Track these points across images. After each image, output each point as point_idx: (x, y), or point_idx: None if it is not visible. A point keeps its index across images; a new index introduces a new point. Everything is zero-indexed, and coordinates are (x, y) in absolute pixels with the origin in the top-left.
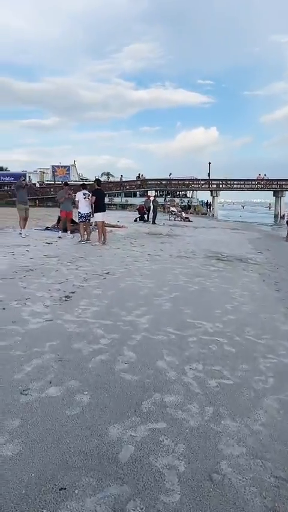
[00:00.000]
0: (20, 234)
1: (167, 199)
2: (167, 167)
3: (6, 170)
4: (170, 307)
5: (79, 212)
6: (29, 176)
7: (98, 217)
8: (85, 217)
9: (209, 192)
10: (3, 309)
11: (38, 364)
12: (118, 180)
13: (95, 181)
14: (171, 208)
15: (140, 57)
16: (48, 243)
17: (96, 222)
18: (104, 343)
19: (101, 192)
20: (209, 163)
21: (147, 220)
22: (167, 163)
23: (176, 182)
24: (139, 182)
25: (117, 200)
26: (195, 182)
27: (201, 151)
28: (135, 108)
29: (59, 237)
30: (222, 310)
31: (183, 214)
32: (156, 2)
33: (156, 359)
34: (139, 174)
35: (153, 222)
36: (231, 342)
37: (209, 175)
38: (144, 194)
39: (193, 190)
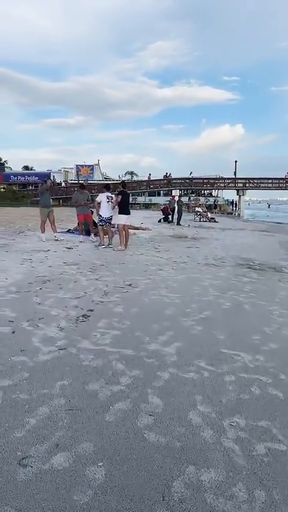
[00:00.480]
0: (41, 239)
1: (192, 198)
2: (191, 165)
3: (31, 170)
4: (200, 332)
5: (100, 215)
6: (53, 176)
7: (121, 219)
8: (105, 220)
9: (235, 191)
10: (13, 332)
11: (44, 415)
12: (142, 179)
13: (120, 183)
14: (197, 208)
15: (165, 54)
16: (69, 248)
17: (117, 224)
18: (124, 383)
19: (126, 194)
20: (235, 161)
21: (172, 221)
22: (191, 161)
23: (201, 181)
24: (165, 181)
25: (140, 199)
26: (220, 181)
27: (226, 149)
28: (160, 106)
29: (80, 241)
30: (261, 335)
31: (209, 215)
32: None
33: (188, 409)
34: (166, 173)
35: (178, 223)
36: (277, 382)
37: (235, 174)
38: (168, 193)
39: (218, 189)
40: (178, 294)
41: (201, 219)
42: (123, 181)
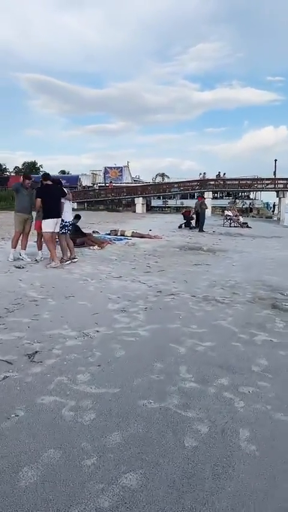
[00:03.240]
0: (8, 257)
1: (229, 201)
2: (232, 168)
3: (68, 174)
4: None
5: (62, 220)
6: (80, 178)
7: (47, 226)
8: (67, 226)
9: (275, 192)
10: None
11: None
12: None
13: (42, 175)
14: (226, 212)
15: (206, 57)
16: (18, 267)
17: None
18: None
19: (49, 191)
20: (275, 160)
21: (195, 227)
22: (232, 164)
23: (237, 182)
24: (196, 183)
25: (171, 202)
26: (258, 182)
27: (268, 152)
28: (200, 109)
29: (36, 260)
30: None
31: (241, 219)
32: (224, 1)
33: None
34: (202, 173)
35: (201, 230)
36: None
37: (274, 174)
38: (202, 196)
39: (256, 190)
40: (114, 385)
41: (232, 224)
42: (44, 174)
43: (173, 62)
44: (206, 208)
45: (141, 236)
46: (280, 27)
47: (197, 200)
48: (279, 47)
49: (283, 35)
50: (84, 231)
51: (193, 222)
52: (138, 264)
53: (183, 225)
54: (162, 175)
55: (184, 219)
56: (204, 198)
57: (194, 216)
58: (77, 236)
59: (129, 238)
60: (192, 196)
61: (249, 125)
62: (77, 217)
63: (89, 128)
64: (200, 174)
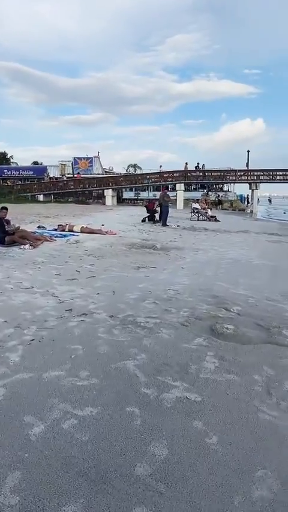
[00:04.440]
0: None
1: (202, 193)
2: (211, 161)
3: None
4: None
5: None
6: (47, 169)
7: None
8: None
9: (248, 184)
10: None
11: None
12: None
13: None
14: (193, 205)
15: (184, 48)
16: None
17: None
18: None
19: None
20: (248, 151)
21: (158, 221)
22: (211, 157)
23: (210, 174)
24: (166, 175)
25: (144, 195)
26: (232, 173)
27: (246, 144)
28: (179, 101)
29: None
30: None
31: (209, 213)
32: None
33: None
34: (186, 163)
35: (164, 224)
36: None
37: (247, 166)
38: (173, 188)
39: (229, 182)
40: None
41: (200, 218)
42: None
43: (151, 52)
44: (169, 200)
45: (92, 232)
46: (257, 20)
47: (161, 192)
48: (255, 39)
49: (260, 28)
50: (22, 226)
51: (157, 216)
52: (68, 267)
53: (146, 219)
54: (134, 166)
55: (147, 212)
56: (169, 190)
57: (158, 209)
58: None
59: (77, 234)
60: (167, 189)
61: (227, 117)
62: (3, 209)
63: (66, 118)
64: (161, 166)
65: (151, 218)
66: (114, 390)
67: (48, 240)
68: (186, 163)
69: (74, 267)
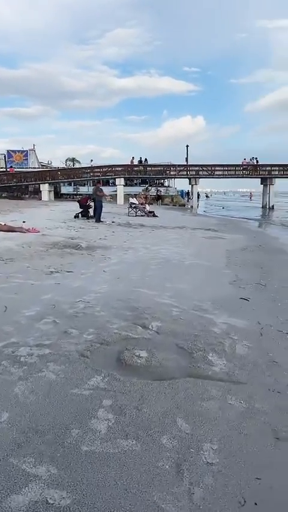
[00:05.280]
0: None
1: (144, 188)
2: (154, 156)
3: None
4: None
5: None
6: None
7: None
8: None
9: (188, 179)
10: None
11: None
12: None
13: None
14: (131, 200)
15: (124, 43)
16: None
17: None
18: None
19: None
20: (187, 146)
21: (93, 217)
22: (154, 152)
23: (150, 169)
24: (105, 169)
25: (83, 190)
26: (172, 168)
27: (188, 141)
28: (121, 96)
29: None
30: None
31: (147, 208)
32: None
33: None
34: (133, 157)
35: (98, 220)
36: None
37: (186, 160)
38: (113, 183)
39: (169, 177)
40: None
41: (138, 213)
42: None
43: (91, 45)
44: (103, 195)
45: (11, 230)
46: (196, 19)
47: (95, 187)
48: (195, 38)
49: (198, 27)
50: None
51: (91, 211)
52: None
53: (79, 215)
54: (73, 160)
55: (80, 208)
56: (97, 184)
57: (92, 204)
58: None
59: None
60: (106, 183)
61: (168, 114)
62: None
63: (4, 110)
64: (92, 160)
65: (85, 214)
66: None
67: None
68: (133, 157)
69: None
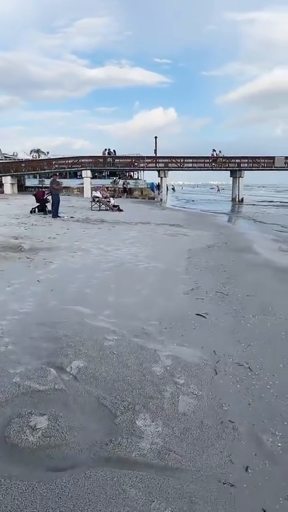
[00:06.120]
0: None
1: (111, 181)
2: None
3: None
4: None
5: None
6: None
7: None
8: None
9: (157, 172)
10: None
11: None
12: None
13: None
14: (94, 193)
15: (93, 32)
16: None
17: None
18: None
19: None
20: (155, 137)
21: (50, 211)
22: (126, 145)
23: (118, 161)
24: (74, 160)
25: (49, 182)
26: (140, 160)
27: (159, 133)
28: (91, 86)
29: None
30: None
31: (112, 202)
32: None
33: None
34: (106, 149)
35: (55, 215)
36: None
37: (155, 152)
38: (81, 175)
39: (138, 170)
40: None
41: (102, 207)
42: None
43: (59, 34)
44: (60, 188)
45: None
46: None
47: (52, 179)
48: (165, 29)
49: (169, 17)
50: None
51: (49, 206)
52: None
53: (36, 210)
54: (38, 151)
55: (37, 202)
56: (54, 176)
57: (50, 198)
58: None
59: None
60: (74, 175)
61: (140, 105)
62: None
63: None
64: (48, 152)
65: (42, 209)
66: None
67: None
68: (105, 149)
69: None
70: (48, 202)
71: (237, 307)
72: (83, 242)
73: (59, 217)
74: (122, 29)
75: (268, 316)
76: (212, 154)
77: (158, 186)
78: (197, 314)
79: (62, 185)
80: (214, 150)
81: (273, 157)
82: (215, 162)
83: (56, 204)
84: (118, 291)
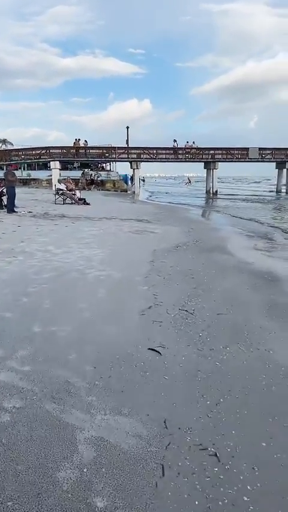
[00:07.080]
0: None
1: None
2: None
3: None
4: None
5: None
6: None
7: None
8: None
9: (129, 163)
10: None
11: None
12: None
13: None
14: (57, 186)
15: (66, 21)
16: None
17: None
18: None
19: None
20: (127, 127)
21: (6, 206)
22: (101, 136)
23: (89, 151)
24: (42, 151)
25: (18, 174)
26: (112, 151)
27: (135, 125)
28: (64, 76)
29: None
30: None
31: (77, 194)
32: None
33: None
34: (77, 139)
35: (10, 210)
36: None
37: (127, 143)
38: (48, 167)
39: (109, 161)
40: None
41: (66, 201)
42: None
43: (31, 22)
44: (15, 180)
45: None
46: None
47: (7, 171)
48: (139, 18)
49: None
50: None
51: (5, 200)
52: None
53: None
54: (4, 141)
55: None
56: (12, 167)
57: (5, 191)
58: None
59: None
60: (44, 167)
61: (114, 96)
62: None
63: None
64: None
65: None
66: None
67: None
68: (76, 139)
69: None
70: (4, 195)
71: (204, 332)
72: (29, 243)
73: (15, 212)
74: (95, 18)
75: (243, 347)
76: (186, 146)
77: (132, 178)
78: (150, 349)
79: (17, 177)
80: (175, 141)
81: (247, 149)
82: (188, 153)
83: (11, 197)
84: (50, 314)
